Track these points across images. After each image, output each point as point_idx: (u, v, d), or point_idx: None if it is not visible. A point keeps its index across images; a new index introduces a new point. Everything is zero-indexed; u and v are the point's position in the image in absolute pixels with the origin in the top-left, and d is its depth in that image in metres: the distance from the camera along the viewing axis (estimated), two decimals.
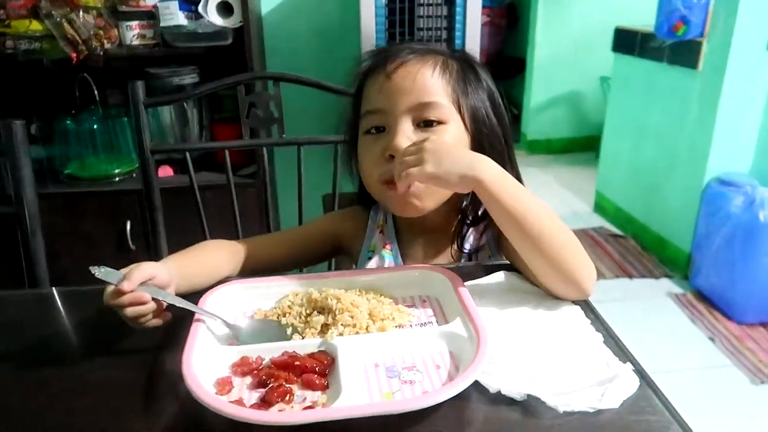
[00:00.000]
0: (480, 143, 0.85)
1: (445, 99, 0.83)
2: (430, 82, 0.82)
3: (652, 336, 2.25)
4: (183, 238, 1.21)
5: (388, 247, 0.92)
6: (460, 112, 0.84)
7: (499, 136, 0.87)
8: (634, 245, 3.02)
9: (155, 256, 1.23)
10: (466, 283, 0.75)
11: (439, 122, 0.82)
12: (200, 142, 1.90)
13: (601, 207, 3.44)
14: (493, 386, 0.58)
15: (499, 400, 0.58)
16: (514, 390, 0.57)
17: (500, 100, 0.90)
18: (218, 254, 0.85)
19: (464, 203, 0.88)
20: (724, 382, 2.01)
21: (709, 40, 2.47)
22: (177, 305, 0.68)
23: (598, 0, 4.18)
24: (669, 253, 2.81)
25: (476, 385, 0.58)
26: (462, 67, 0.87)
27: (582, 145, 4.44)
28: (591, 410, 0.56)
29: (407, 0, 1.70)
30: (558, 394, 0.57)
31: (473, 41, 1.68)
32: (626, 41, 3.06)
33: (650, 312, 2.46)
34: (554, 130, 4.47)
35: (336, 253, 1.01)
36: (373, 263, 0.91)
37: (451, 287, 0.74)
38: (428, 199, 0.83)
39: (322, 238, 0.97)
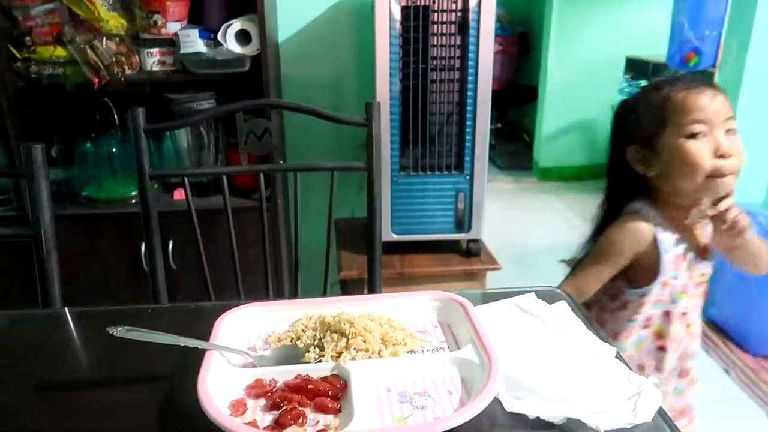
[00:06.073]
0: None
1: None
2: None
3: None
4: (198, 259, 1.24)
5: (671, 238, 1.12)
6: None
7: None
8: None
9: (153, 279, 1.26)
10: (477, 308, 0.76)
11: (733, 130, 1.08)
12: (215, 166, 1.93)
13: None
14: (531, 413, 0.59)
15: (537, 425, 0.58)
16: (553, 414, 0.58)
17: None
18: None
19: None
20: (739, 415, 1.98)
21: (721, 71, 2.48)
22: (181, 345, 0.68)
23: (609, 29, 4.22)
24: None
25: (512, 413, 0.59)
26: None
27: (594, 173, 4.42)
28: (628, 426, 0.56)
29: (421, 29, 1.73)
30: (595, 414, 0.58)
31: (486, 70, 1.70)
32: (638, 71, 3.08)
33: None
34: (566, 158, 4.48)
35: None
36: (671, 255, 1.11)
37: (463, 313, 0.75)
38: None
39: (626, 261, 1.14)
